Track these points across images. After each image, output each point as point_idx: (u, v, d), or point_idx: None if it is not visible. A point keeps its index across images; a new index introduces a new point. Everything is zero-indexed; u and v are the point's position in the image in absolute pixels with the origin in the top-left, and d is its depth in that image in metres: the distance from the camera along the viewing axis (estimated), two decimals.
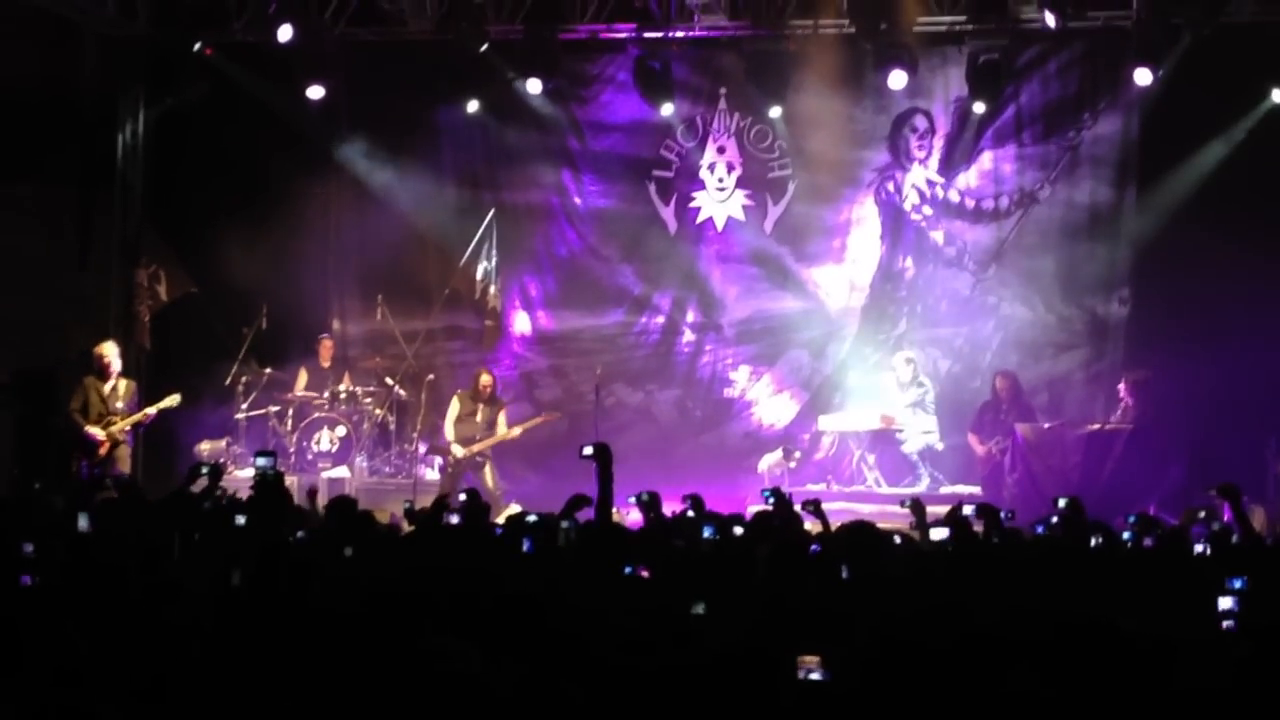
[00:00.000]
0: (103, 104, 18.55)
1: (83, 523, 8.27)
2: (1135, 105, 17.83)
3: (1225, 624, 6.94)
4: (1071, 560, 8.70)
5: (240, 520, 8.85)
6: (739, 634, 5.64)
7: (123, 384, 16.36)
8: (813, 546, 8.32)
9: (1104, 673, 5.41)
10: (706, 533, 9.04)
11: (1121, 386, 17.13)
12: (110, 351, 16.45)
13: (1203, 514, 11.19)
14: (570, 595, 6.40)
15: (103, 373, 16.29)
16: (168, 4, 18.04)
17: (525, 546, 8.41)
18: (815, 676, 5.18)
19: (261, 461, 9.67)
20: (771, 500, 10.17)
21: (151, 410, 16.33)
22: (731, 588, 7.04)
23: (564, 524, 8.99)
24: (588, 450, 9.57)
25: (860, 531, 8.14)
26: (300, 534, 8.97)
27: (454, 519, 9.12)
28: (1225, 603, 7.05)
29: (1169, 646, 5.67)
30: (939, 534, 9.36)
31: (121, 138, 18.79)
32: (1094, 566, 8.64)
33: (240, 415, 17.86)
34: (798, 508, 10.43)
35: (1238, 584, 7.10)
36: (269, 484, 9.35)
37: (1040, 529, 10.69)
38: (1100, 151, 18.11)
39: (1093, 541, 9.31)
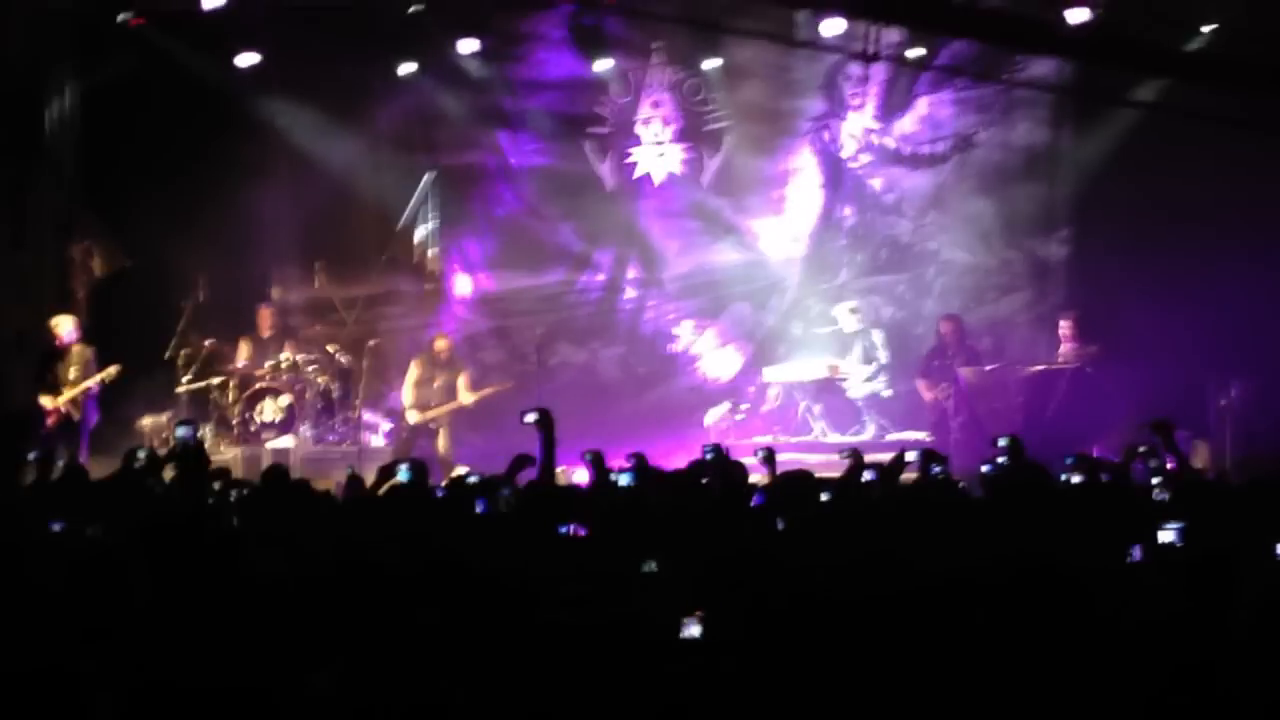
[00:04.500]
0: (31, 78, 18.31)
1: None
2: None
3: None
4: (1012, 502, 8.70)
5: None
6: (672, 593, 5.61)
7: (76, 351, 16.23)
8: (755, 498, 8.31)
9: (1046, 612, 5.40)
10: (623, 480, 9.07)
11: (1064, 325, 17.12)
12: (56, 325, 16.35)
13: (1143, 449, 11.19)
14: (507, 559, 6.37)
15: (52, 347, 16.22)
16: None
17: (479, 508, 8.38)
18: (692, 632, 5.18)
19: (181, 431, 9.64)
20: (711, 456, 10.16)
21: (90, 382, 16.18)
22: (672, 546, 7.01)
23: (504, 491, 8.95)
24: (530, 417, 9.56)
25: (798, 481, 8.13)
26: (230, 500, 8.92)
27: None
28: (1166, 535, 7.09)
29: (1108, 580, 5.68)
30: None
31: (50, 112, 18.55)
32: (1035, 507, 8.64)
33: (181, 389, 17.70)
34: (754, 457, 10.49)
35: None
36: (190, 453, 9.29)
37: (986, 468, 10.70)
38: (1036, 92, 18.08)
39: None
